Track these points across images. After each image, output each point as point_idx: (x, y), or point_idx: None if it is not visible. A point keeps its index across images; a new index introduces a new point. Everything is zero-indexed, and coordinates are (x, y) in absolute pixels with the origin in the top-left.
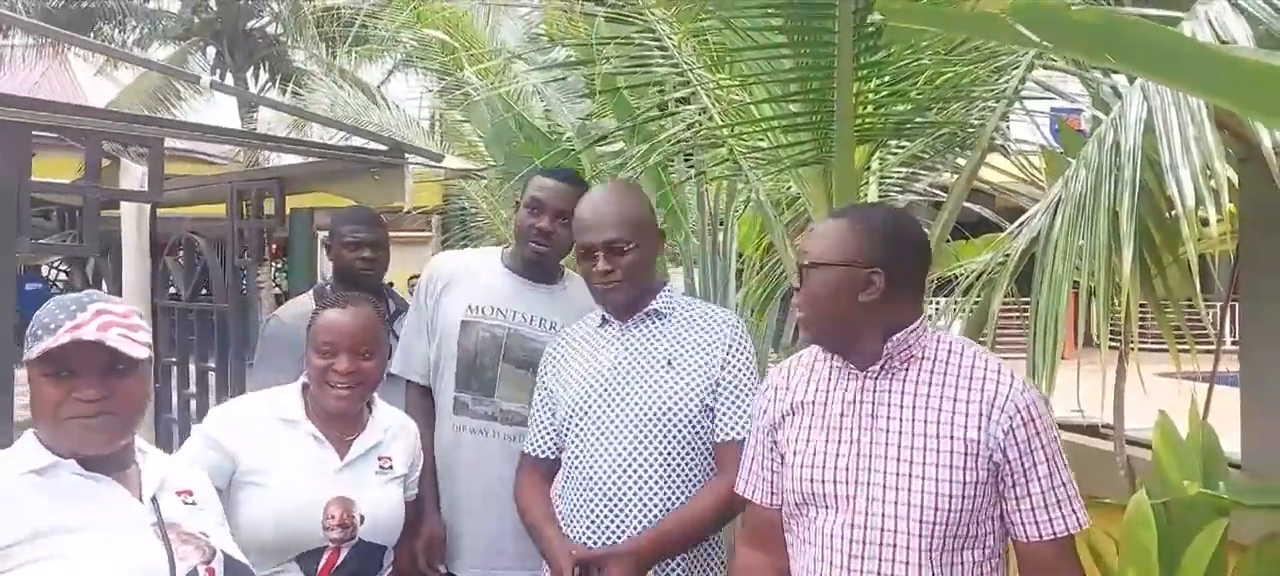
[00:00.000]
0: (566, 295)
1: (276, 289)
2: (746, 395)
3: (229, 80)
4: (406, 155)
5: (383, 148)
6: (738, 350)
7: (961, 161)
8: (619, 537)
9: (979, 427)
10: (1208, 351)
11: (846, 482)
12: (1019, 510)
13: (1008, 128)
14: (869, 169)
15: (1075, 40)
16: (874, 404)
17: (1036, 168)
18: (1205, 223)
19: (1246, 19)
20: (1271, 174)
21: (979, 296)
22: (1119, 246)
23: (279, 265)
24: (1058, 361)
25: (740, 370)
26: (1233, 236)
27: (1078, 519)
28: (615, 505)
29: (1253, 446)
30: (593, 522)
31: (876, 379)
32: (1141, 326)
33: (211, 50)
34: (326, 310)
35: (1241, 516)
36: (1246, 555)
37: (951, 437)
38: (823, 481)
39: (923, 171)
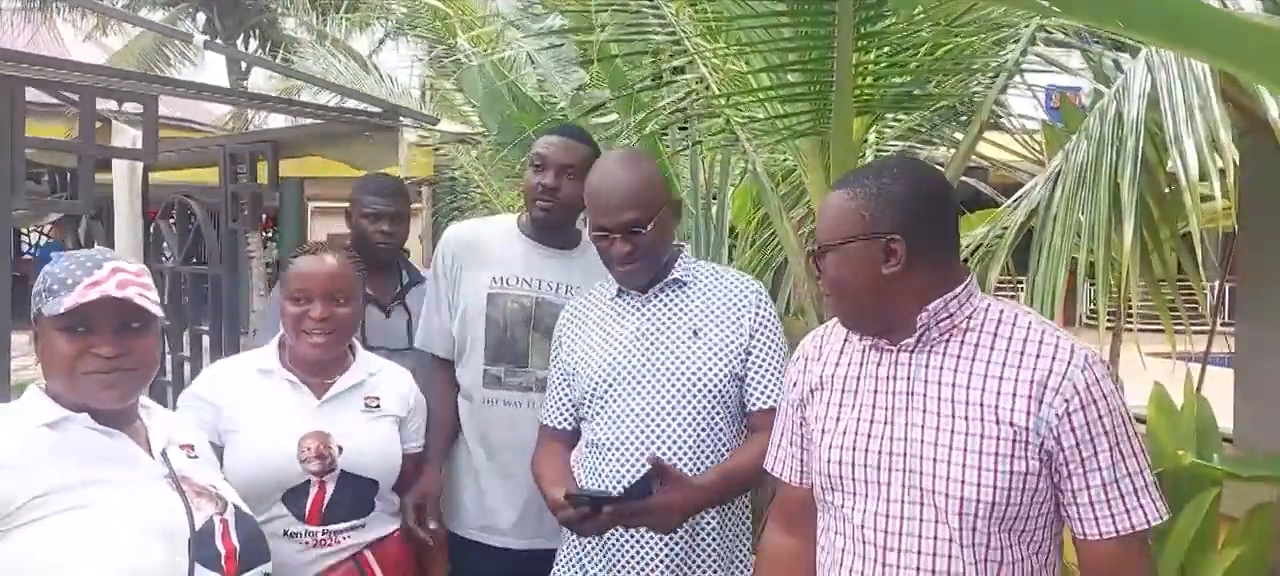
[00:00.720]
0: (585, 261)
1: (267, 258)
2: (778, 362)
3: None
4: (401, 118)
5: (377, 110)
6: (765, 316)
7: (959, 136)
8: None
9: (1027, 411)
10: (1202, 331)
11: (879, 468)
12: (1075, 504)
13: (1007, 102)
14: (866, 142)
15: (1086, 5)
16: (910, 381)
17: (1036, 143)
18: (1207, 198)
19: None
20: (1272, 149)
21: (975, 271)
22: (1119, 219)
23: (269, 234)
24: None
25: (770, 336)
26: (1230, 214)
27: (1145, 513)
28: (640, 474)
29: (1244, 420)
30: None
31: (913, 353)
32: (1135, 304)
33: (201, 16)
34: (299, 259)
35: (1232, 488)
36: (1236, 526)
37: (997, 421)
38: (852, 464)
39: (919, 145)
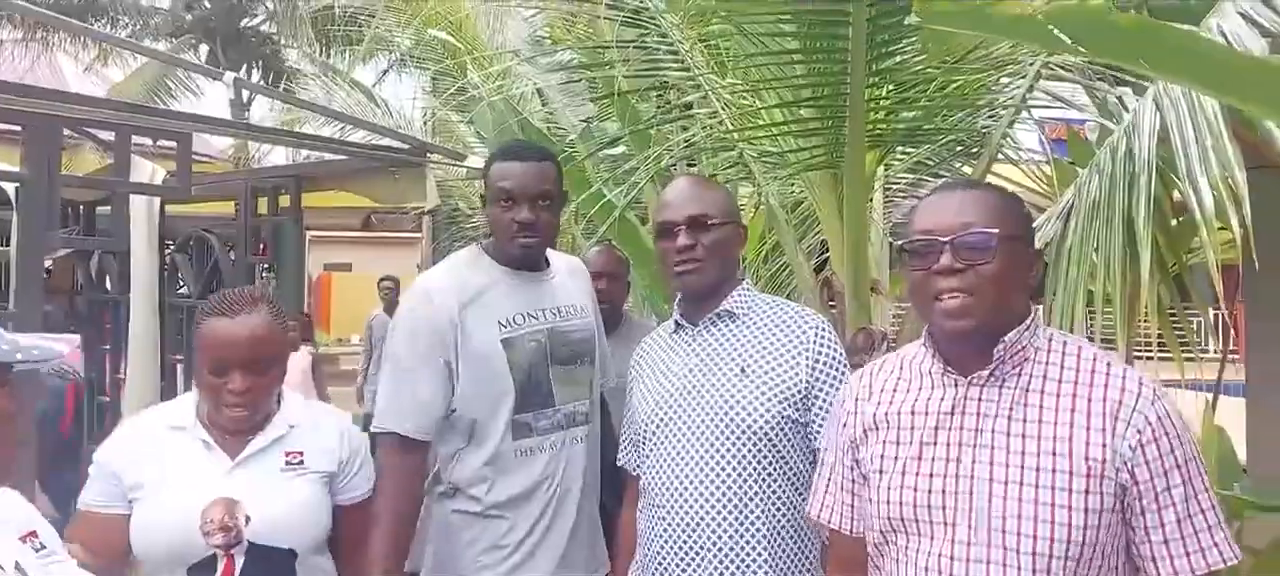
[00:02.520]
0: (560, 278)
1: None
2: None
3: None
4: (428, 155)
5: (405, 147)
6: (826, 355)
7: (968, 169)
8: (693, 561)
9: (1102, 444)
10: (1212, 360)
11: (944, 508)
12: (1150, 542)
13: (1016, 137)
14: (876, 174)
15: (1110, 44)
16: (978, 416)
17: (1046, 176)
18: (1222, 230)
19: (1259, 31)
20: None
21: None
22: (1135, 253)
23: (267, 265)
24: None
25: (832, 377)
26: (1233, 246)
27: (1220, 552)
28: (687, 525)
29: (1259, 451)
30: (667, 541)
31: (982, 387)
32: (1142, 336)
33: (204, 48)
34: (214, 319)
35: (1252, 519)
36: (1261, 558)
37: (1070, 455)
38: (914, 505)
39: (928, 178)
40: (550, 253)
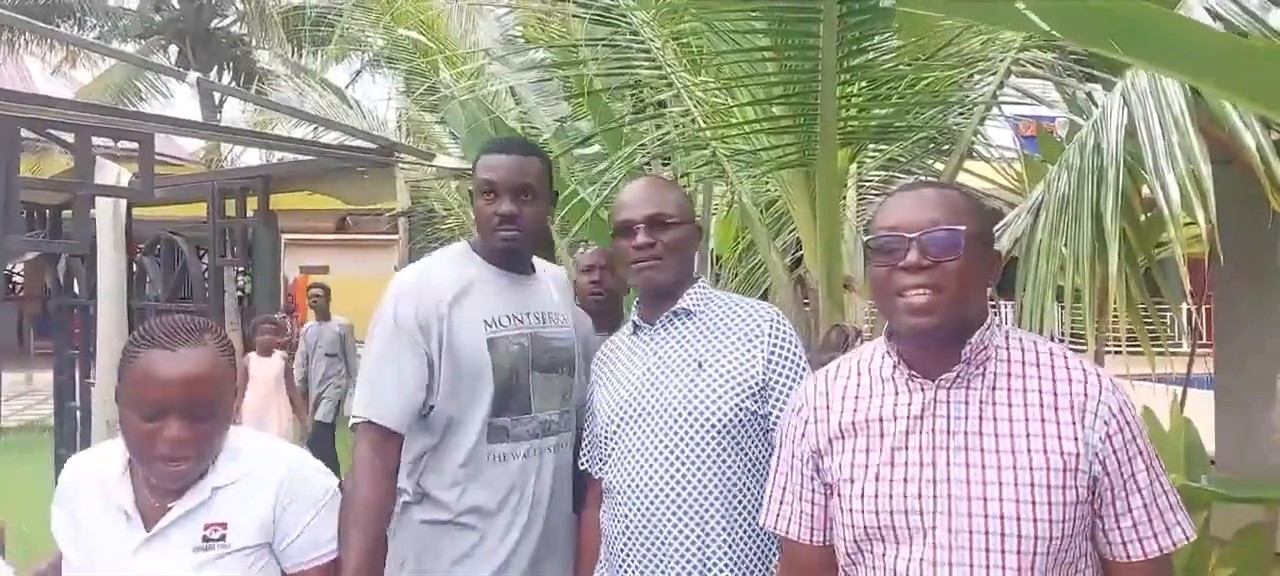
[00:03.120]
0: (546, 283)
1: (239, 292)
2: None
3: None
4: (397, 155)
5: (373, 147)
6: (782, 347)
7: (939, 166)
8: (656, 556)
9: (1074, 438)
10: (1182, 354)
11: (921, 512)
12: (1119, 528)
13: (987, 134)
14: (848, 172)
15: (1083, 28)
16: (949, 418)
17: (1016, 172)
18: (1187, 223)
19: (1221, 23)
20: (1245, 179)
21: None
22: (1104, 248)
23: (242, 269)
24: None
25: (789, 368)
26: (1201, 240)
27: (1183, 530)
28: (649, 517)
29: (1227, 442)
30: (631, 536)
31: (950, 388)
32: (1113, 331)
33: (174, 50)
34: (147, 350)
35: (1219, 510)
36: (1229, 546)
37: (1046, 452)
38: (891, 512)
39: (901, 175)
40: (536, 261)
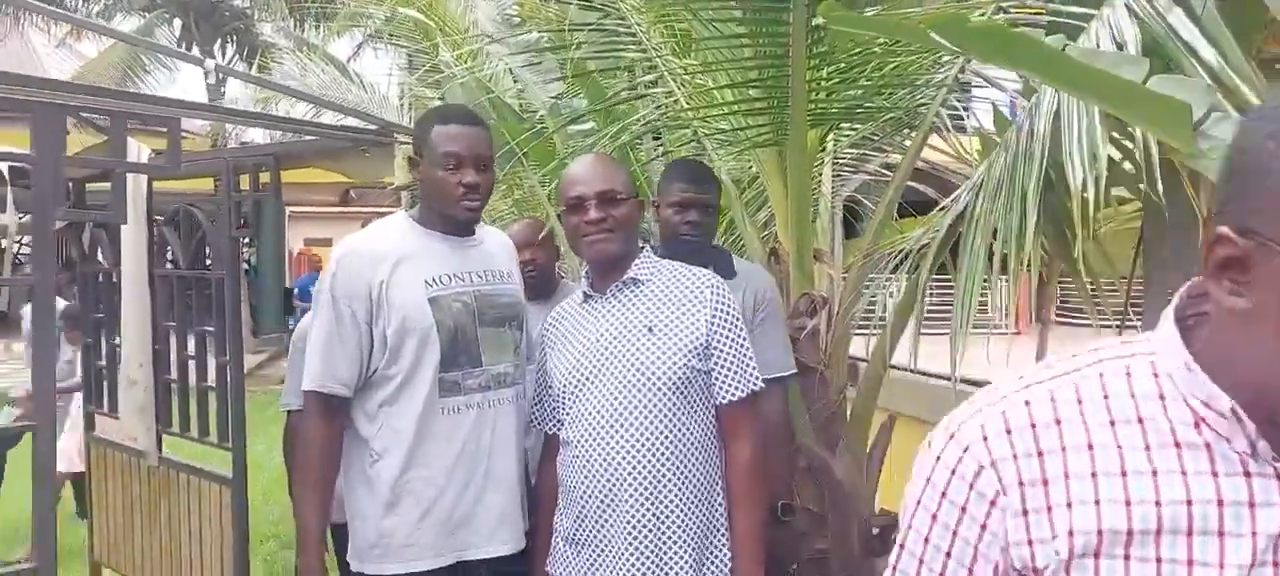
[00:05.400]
0: (489, 245)
1: (245, 264)
2: (741, 352)
3: (196, 54)
4: (396, 134)
5: (373, 126)
6: (722, 310)
7: (909, 143)
8: (613, 502)
9: None
10: (1129, 325)
11: None
12: None
13: (970, 110)
14: (823, 149)
15: (974, 46)
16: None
17: (972, 151)
18: (1125, 200)
19: (1139, 25)
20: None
21: (911, 272)
22: (1025, 227)
23: (247, 240)
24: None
25: (730, 328)
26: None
27: None
28: (607, 468)
29: None
30: (589, 486)
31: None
32: (1081, 304)
33: (177, 23)
34: None
35: None
36: None
37: None
38: None
39: (873, 153)
40: (479, 226)
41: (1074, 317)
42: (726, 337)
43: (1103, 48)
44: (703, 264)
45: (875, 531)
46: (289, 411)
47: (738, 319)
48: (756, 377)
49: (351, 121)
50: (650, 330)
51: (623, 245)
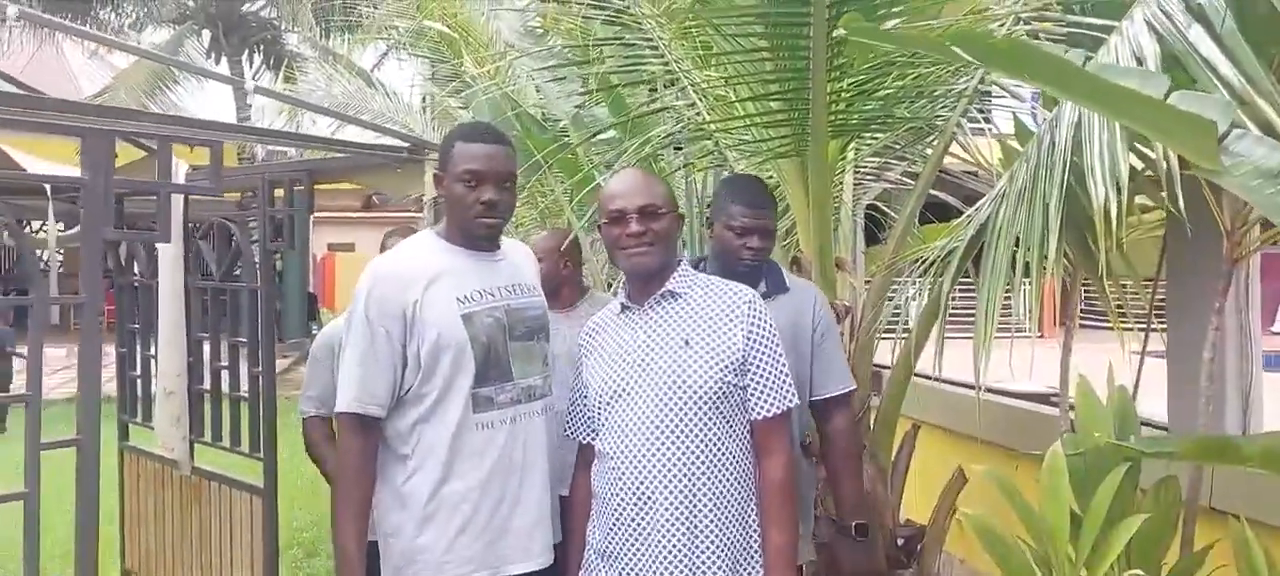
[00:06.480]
0: (515, 259)
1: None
2: (778, 370)
3: (224, 65)
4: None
5: (406, 144)
6: (759, 326)
7: (930, 152)
8: (646, 515)
9: None
10: (1154, 330)
11: None
12: None
13: (990, 119)
14: (843, 159)
15: (997, 61)
16: None
17: (993, 159)
18: (1139, 211)
19: (1157, 40)
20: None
21: (935, 279)
22: (1047, 236)
23: (278, 251)
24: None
25: (766, 343)
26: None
27: None
28: (642, 479)
29: (1177, 408)
30: (624, 496)
31: None
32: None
33: (206, 34)
34: None
35: (1151, 468)
36: (1145, 496)
37: None
38: None
39: (894, 161)
40: (502, 238)
41: (1098, 321)
42: (763, 353)
43: (1121, 62)
44: (755, 281)
45: (900, 541)
46: (305, 417)
47: (774, 335)
48: (792, 394)
49: (384, 139)
50: (687, 343)
51: (662, 258)
